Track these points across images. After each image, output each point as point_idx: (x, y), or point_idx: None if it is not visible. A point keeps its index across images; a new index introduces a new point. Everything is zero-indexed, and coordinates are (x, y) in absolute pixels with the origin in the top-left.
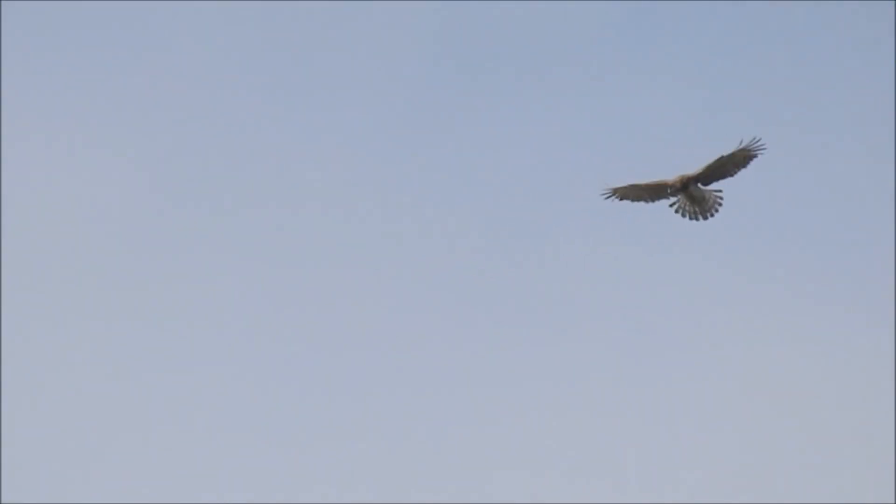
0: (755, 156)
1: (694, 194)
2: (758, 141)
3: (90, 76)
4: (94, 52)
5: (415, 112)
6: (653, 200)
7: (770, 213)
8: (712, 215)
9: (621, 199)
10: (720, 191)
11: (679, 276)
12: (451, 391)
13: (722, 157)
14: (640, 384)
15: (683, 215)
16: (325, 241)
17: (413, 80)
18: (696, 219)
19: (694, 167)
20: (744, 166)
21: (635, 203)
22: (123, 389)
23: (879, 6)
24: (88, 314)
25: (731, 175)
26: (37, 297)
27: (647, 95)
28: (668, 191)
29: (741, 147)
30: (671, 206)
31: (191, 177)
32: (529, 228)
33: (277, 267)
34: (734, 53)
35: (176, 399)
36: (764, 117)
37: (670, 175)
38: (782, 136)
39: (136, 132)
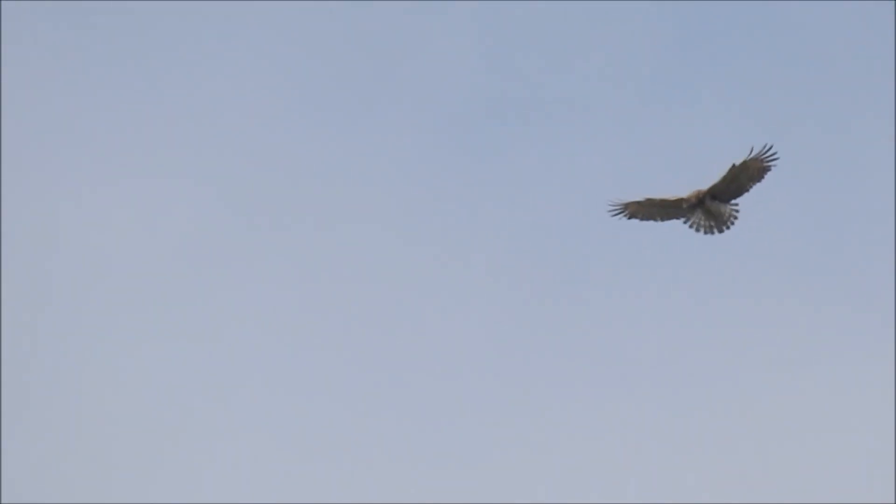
0: (769, 168)
1: (710, 209)
2: (769, 149)
3: (142, 94)
4: (143, 71)
5: (458, 144)
6: (664, 219)
7: (768, 218)
8: (728, 228)
9: (630, 217)
10: (737, 204)
11: (680, 280)
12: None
13: (734, 167)
14: (643, 384)
15: (698, 230)
16: (367, 264)
17: (456, 113)
18: (712, 232)
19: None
20: (759, 180)
21: (644, 222)
22: (124, 389)
23: (879, 6)
24: (103, 319)
25: (747, 190)
26: (37, 299)
27: (686, 125)
28: (684, 206)
29: (752, 156)
30: (685, 222)
31: (245, 198)
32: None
33: (324, 286)
34: (732, 53)
35: (178, 400)
36: (762, 118)
37: (683, 192)
38: (780, 137)
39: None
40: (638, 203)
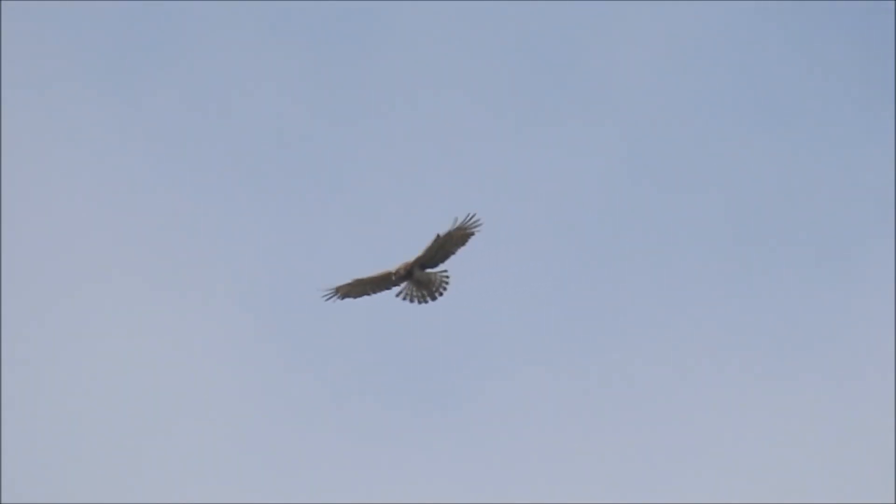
0: (473, 233)
1: (420, 279)
2: (473, 217)
3: None
4: None
5: None
6: (376, 292)
7: (767, 211)
8: (441, 294)
9: (343, 298)
10: (445, 271)
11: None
12: None
13: (439, 238)
14: (648, 381)
15: (412, 301)
16: None
17: None
18: (425, 301)
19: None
20: (463, 245)
21: (358, 299)
22: (124, 389)
23: (879, 6)
24: (95, 314)
25: (454, 254)
26: (37, 295)
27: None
28: (393, 279)
29: (457, 226)
30: (398, 295)
31: None
32: None
33: None
34: (734, 51)
35: (176, 399)
36: (762, 118)
37: (392, 265)
38: (781, 136)
39: None
40: (348, 285)
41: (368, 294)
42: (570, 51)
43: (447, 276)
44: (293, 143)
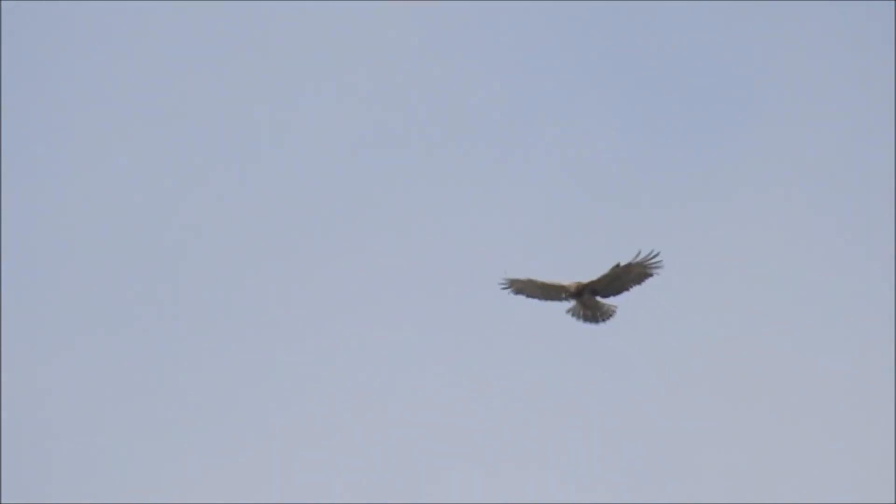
0: (651, 274)
1: (587, 303)
2: (655, 255)
3: None
4: None
5: None
6: (545, 300)
7: (771, 210)
8: (605, 321)
9: (517, 293)
10: (615, 305)
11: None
12: None
13: (618, 267)
14: (639, 379)
15: (578, 318)
16: None
17: None
18: (592, 322)
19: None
20: (639, 283)
21: (530, 299)
22: (124, 389)
23: (879, 6)
24: (91, 317)
25: (627, 290)
26: (33, 297)
27: None
28: (563, 295)
29: (637, 260)
30: (567, 311)
31: None
32: None
33: None
34: (734, 51)
35: (175, 399)
36: (763, 119)
37: (568, 278)
38: (782, 136)
39: None
40: (522, 281)
41: (538, 298)
42: None
43: (615, 309)
44: None
